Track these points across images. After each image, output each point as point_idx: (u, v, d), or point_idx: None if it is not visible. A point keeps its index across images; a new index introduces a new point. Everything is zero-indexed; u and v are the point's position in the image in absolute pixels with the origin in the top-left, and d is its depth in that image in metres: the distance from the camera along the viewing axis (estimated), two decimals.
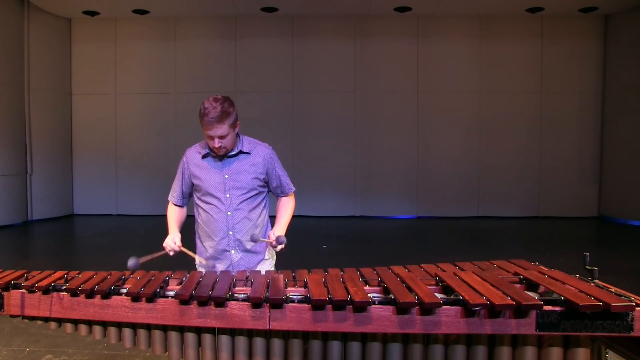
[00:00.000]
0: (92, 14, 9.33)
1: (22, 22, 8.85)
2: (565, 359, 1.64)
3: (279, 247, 2.36)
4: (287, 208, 2.57)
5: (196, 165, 2.45)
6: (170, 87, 9.76)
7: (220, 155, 2.40)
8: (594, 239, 8.43)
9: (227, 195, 2.40)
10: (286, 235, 2.39)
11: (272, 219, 2.57)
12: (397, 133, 9.70)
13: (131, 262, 2.07)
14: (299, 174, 9.72)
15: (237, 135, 2.43)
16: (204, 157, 2.43)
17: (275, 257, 2.58)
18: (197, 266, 2.48)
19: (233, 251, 2.41)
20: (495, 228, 8.79)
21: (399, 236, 8.36)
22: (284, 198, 2.58)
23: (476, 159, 9.70)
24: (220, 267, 2.42)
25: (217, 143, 2.30)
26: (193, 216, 2.55)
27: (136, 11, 9.25)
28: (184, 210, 2.57)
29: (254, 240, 2.36)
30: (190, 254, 2.39)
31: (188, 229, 2.50)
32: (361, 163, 9.78)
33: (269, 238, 2.39)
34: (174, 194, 2.55)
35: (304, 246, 7.06)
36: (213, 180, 2.41)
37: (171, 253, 2.33)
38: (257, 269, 2.45)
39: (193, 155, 2.47)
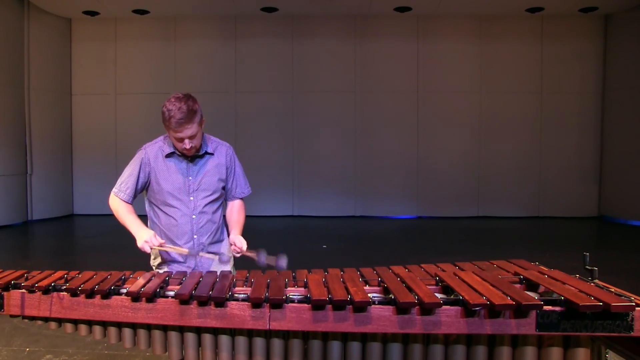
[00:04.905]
0: (92, 14, 9.33)
1: (22, 22, 8.85)
2: (565, 359, 1.63)
3: (239, 255, 2.32)
4: (242, 213, 2.48)
5: (158, 165, 2.30)
6: (170, 87, 9.75)
7: (185, 156, 2.29)
8: (594, 239, 8.43)
9: (191, 198, 2.31)
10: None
11: None
12: (397, 133, 9.70)
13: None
14: (299, 174, 9.73)
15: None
16: (167, 156, 2.31)
17: (232, 257, 2.48)
18: (156, 264, 2.38)
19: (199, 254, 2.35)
20: (495, 228, 8.79)
21: (399, 236, 8.35)
22: (237, 201, 2.48)
23: (476, 159, 9.70)
24: (182, 269, 2.34)
25: (187, 144, 2.19)
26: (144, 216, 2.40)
27: (136, 11, 9.25)
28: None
29: (223, 261, 2.32)
30: (175, 249, 2.28)
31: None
32: (361, 163, 9.78)
33: (229, 240, 2.37)
34: (126, 191, 2.32)
35: (304, 246, 7.06)
36: (177, 182, 2.30)
37: (149, 251, 2.20)
38: (218, 268, 2.37)
39: (155, 154, 2.31)
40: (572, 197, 9.64)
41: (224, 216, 2.52)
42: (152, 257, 2.44)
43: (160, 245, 2.21)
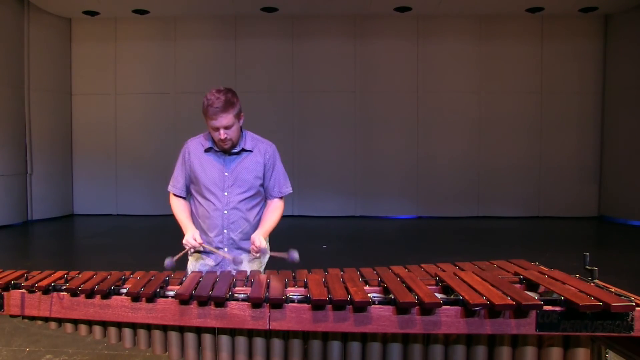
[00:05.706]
0: (92, 14, 9.33)
1: (22, 22, 8.85)
2: (565, 359, 1.64)
3: (258, 255, 2.32)
4: (275, 213, 2.45)
5: (197, 158, 2.40)
6: (170, 87, 9.76)
7: (223, 151, 2.36)
8: (594, 239, 8.43)
9: (225, 194, 2.36)
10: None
11: None
12: (397, 133, 9.69)
13: (167, 261, 2.17)
14: (299, 174, 9.73)
15: (241, 130, 2.39)
16: (206, 150, 2.40)
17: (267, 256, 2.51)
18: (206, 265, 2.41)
19: (226, 249, 2.38)
20: (495, 228, 8.79)
21: (399, 236, 8.35)
22: (275, 201, 2.48)
23: (476, 159, 9.70)
24: (211, 262, 2.40)
25: (222, 134, 2.25)
26: None
27: (136, 11, 9.25)
28: (188, 203, 2.50)
29: (237, 262, 2.34)
30: (213, 250, 2.36)
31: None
32: (361, 163, 9.78)
33: (251, 239, 2.37)
34: (177, 185, 2.47)
35: (304, 246, 7.05)
36: (212, 176, 2.37)
37: (192, 251, 2.31)
38: (249, 266, 2.42)
39: (195, 147, 2.43)
40: (572, 197, 9.63)
41: None
42: None
43: (200, 245, 2.31)
